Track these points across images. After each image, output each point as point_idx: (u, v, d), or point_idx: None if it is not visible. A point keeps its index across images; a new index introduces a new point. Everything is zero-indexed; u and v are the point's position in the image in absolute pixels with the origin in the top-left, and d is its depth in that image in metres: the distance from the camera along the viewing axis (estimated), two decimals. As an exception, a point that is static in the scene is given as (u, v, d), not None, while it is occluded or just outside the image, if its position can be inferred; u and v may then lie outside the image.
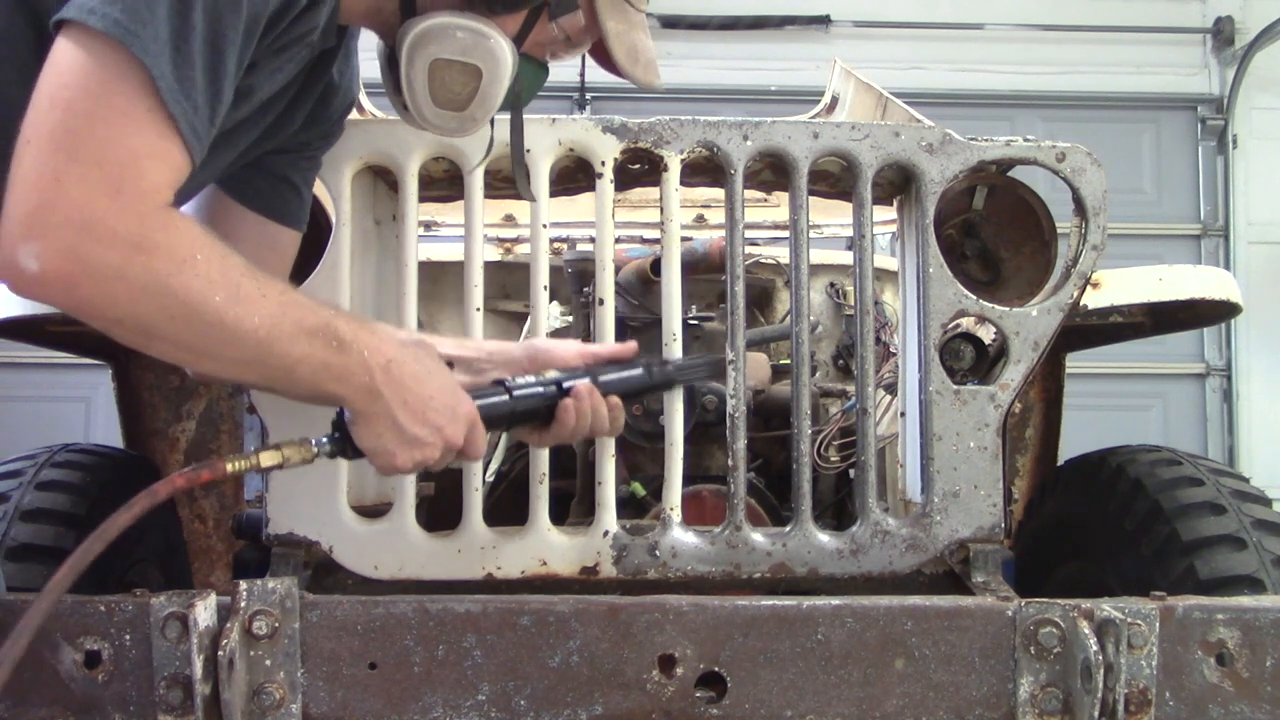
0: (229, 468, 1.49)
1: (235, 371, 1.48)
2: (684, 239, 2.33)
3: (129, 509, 1.39)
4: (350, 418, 1.56)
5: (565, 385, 1.77)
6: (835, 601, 1.61)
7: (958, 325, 2.14)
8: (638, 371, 1.87)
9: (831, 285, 3.17)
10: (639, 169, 2.12)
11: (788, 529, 2.03)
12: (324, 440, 1.59)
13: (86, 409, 6.81)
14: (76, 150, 1.27)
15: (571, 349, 1.89)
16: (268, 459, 1.54)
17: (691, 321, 2.59)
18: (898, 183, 2.16)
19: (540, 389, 1.76)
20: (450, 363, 1.78)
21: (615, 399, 1.82)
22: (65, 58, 1.29)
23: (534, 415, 1.76)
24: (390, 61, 1.66)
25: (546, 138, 2.00)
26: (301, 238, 1.89)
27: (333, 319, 1.48)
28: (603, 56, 1.73)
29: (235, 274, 1.38)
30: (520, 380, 1.76)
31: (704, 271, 2.73)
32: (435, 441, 1.59)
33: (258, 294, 1.39)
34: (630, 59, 1.70)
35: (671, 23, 7.06)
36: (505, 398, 1.72)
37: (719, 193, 2.29)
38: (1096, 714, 1.52)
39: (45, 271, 1.27)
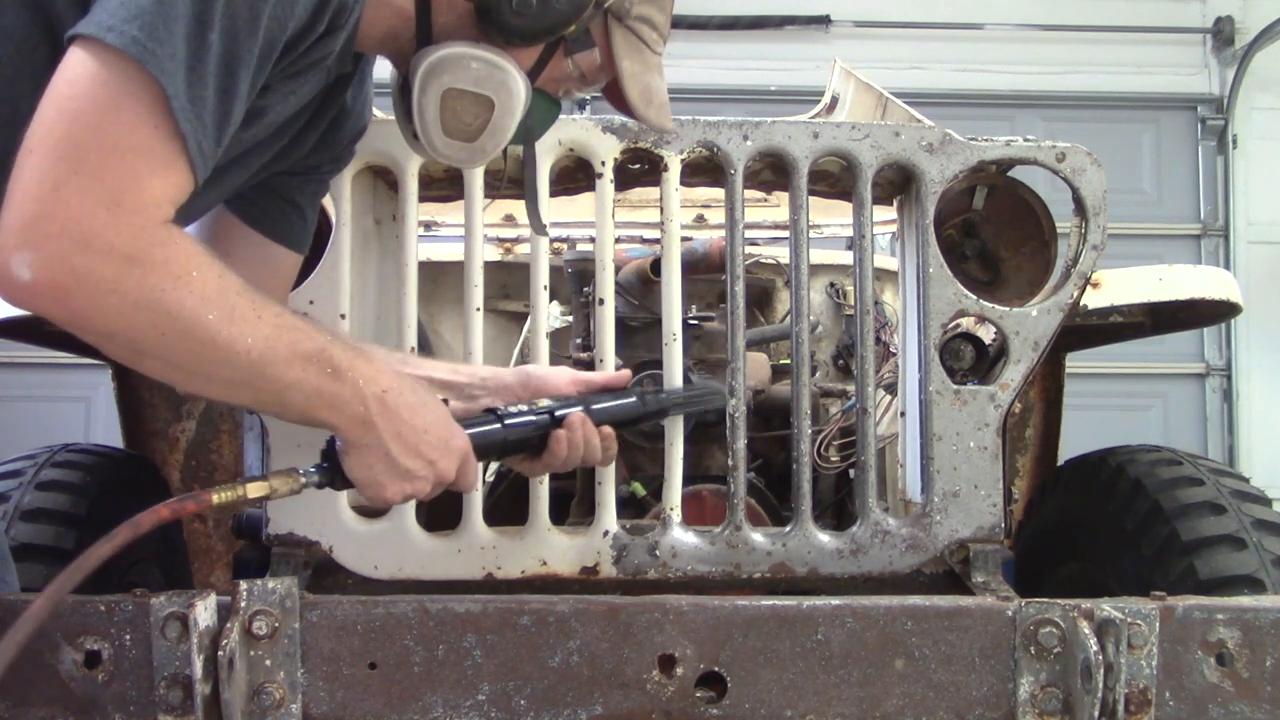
0: (215, 499, 1.48)
1: (225, 392, 1.46)
2: (684, 239, 2.33)
3: (110, 540, 1.38)
4: (341, 446, 1.55)
5: (558, 414, 1.76)
6: (835, 601, 1.61)
7: (958, 325, 2.14)
8: (631, 400, 1.87)
9: (831, 285, 3.17)
10: (639, 169, 2.12)
11: (788, 529, 2.03)
12: (312, 470, 1.58)
13: (86, 409, 6.81)
14: (80, 162, 1.26)
15: (564, 377, 1.88)
16: (255, 490, 1.52)
17: (691, 321, 2.59)
18: (898, 183, 2.16)
19: (533, 418, 1.75)
20: (445, 399, 1.78)
21: (608, 428, 1.81)
22: (76, 71, 1.29)
23: (526, 444, 1.76)
24: (403, 89, 1.65)
25: (547, 137, 1.99)
26: (303, 261, 1.89)
27: (329, 345, 1.47)
28: (616, 96, 1.72)
29: (231, 293, 1.37)
30: (513, 409, 1.75)
31: (704, 271, 2.73)
32: (427, 475, 1.58)
33: (253, 315, 1.38)
34: (644, 100, 1.69)
35: (672, 22, 7.04)
36: (497, 427, 1.71)
37: (719, 193, 2.29)
38: (1096, 714, 1.52)
39: (37, 282, 1.26)
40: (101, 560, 1.37)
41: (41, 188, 1.26)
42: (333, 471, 1.58)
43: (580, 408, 1.78)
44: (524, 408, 1.76)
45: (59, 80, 1.29)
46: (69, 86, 1.29)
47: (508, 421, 1.73)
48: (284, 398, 1.45)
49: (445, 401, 1.70)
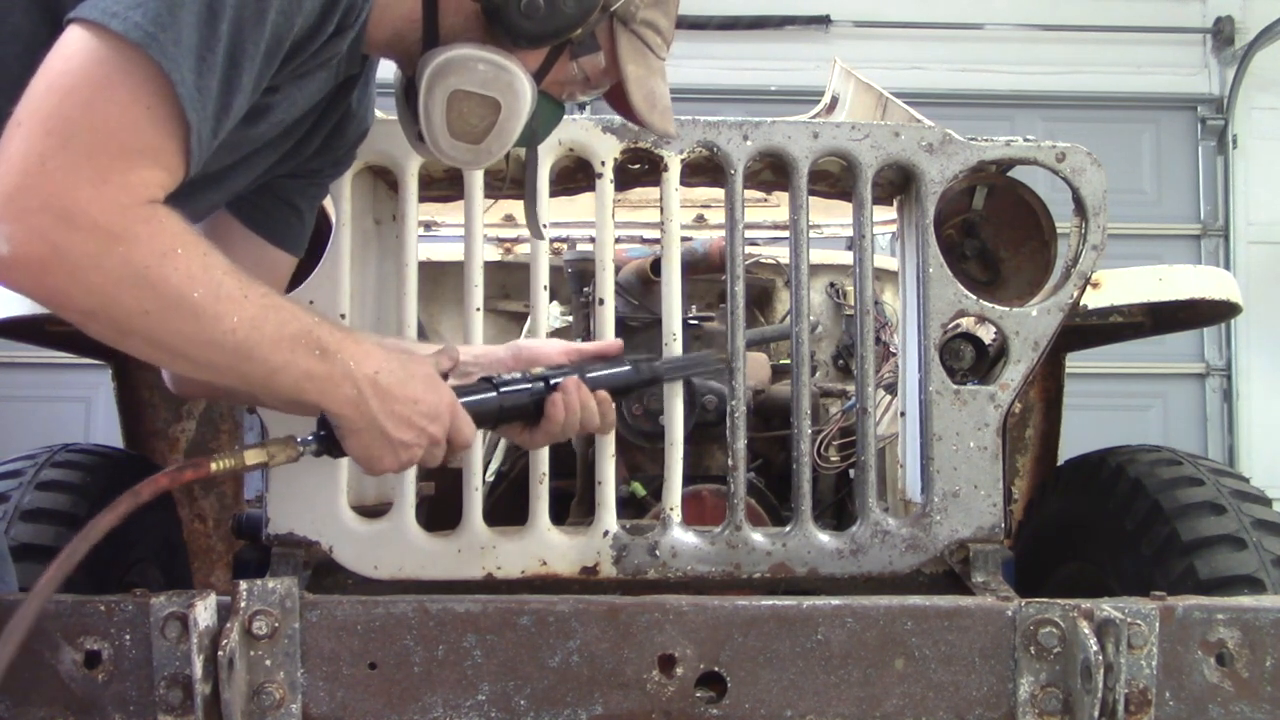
0: (214, 467, 1.48)
1: (211, 374, 1.42)
2: (684, 239, 2.33)
3: (112, 510, 1.38)
4: (336, 424, 1.55)
5: (552, 381, 1.76)
6: (835, 601, 1.61)
7: (958, 325, 2.14)
8: (626, 368, 1.87)
9: (831, 285, 3.17)
10: (639, 169, 2.12)
11: (788, 529, 2.03)
12: (309, 439, 1.57)
13: (86, 409, 6.81)
14: (69, 138, 1.25)
15: (557, 347, 1.89)
16: (253, 457, 1.52)
17: (691, 321, 2.59)
18: (898, 183, 2.16)
19: (527, 384, 1.75)
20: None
21: (604, 394, 1.81)
22: (73, 48, 1.27)
23: (522, 411, 1.75)
24: (408, 91, 1.65)
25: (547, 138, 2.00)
26: (298, 264, 1.88)
27: (316, 326, 1.45)
28: (620, 100, 1.72)
29: (217, 272, 1.35)
30: (507, 376, 1.75)
31: (704, 271, 2.73)
32: (420, 442, 1.58)
33: (239, 294, 1.36)
34: (648, 104, 1.69)
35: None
36: (492, 394, 1.71)
37: (719, 193, 2.30)
38: (1096, 714, 1.52)
39: (16, 255, 1.24)
40: (105, 530, 1.37)
41: (26, 160, 1.23)
42: (330, 440, 1.56)
43: (574, 375, 1.78)
44: (518, 375, 1.76)
45: (54, 58, 1.28)
46: (64, 63, 1.27)
47: (503, 389, 1.72)
48: (272, 380, 1.42)
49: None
